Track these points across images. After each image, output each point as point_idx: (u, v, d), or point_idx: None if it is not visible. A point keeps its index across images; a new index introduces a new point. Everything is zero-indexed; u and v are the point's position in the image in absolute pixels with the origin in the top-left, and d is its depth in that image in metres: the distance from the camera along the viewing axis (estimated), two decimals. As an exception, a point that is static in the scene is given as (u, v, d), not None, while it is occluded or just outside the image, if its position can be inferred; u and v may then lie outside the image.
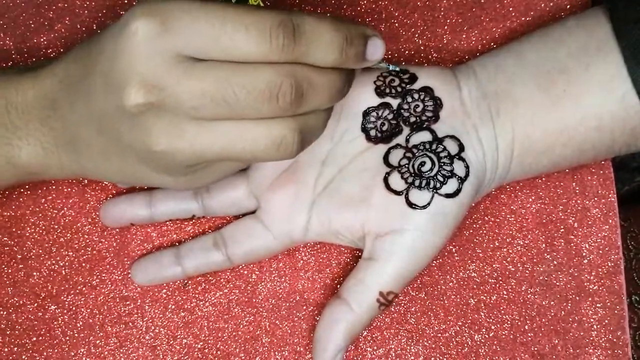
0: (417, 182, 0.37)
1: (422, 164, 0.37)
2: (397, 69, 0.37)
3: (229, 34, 0.28)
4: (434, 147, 0.37)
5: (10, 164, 0.36)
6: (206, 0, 0.29)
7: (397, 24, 0.44)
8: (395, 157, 0.38)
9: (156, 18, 0.29)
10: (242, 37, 0.28)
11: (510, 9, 0.44)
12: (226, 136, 0.30)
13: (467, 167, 0.37)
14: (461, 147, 0.37)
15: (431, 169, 0.37)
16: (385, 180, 0.37)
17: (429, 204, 0.36)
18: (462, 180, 0.37)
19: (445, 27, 0.44)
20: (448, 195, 0.36)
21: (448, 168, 0.37)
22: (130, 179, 0.36)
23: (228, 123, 0.30)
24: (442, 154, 0.37)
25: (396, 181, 0.37)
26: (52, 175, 0.37)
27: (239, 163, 0.35)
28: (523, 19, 0.44)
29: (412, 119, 0.38)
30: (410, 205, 0.36)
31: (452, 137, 0.37)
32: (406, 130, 0.38)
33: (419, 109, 0.38)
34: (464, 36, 0.44)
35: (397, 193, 0.37)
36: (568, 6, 0.44)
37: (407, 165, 0.37)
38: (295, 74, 0.29)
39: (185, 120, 0.30)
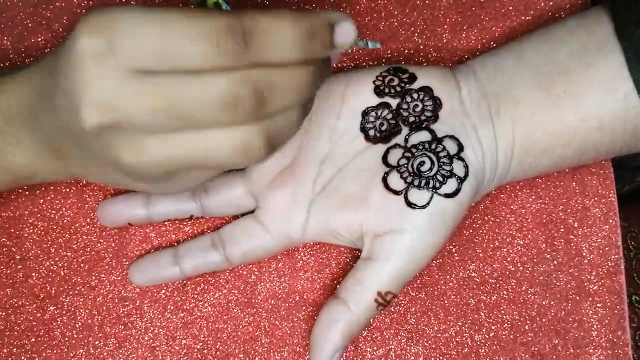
0: (416, 182, 0.37)
1: (422, 163, 0.37)
2: (377, 44, 0.35)
3: (174, 45, 0.27)
4: (433, 146, 0.37)
5: (4, 168, 0.36)
6: (153, 7, 0.28)
7: (396, 23, 0.44)
8: (394, 157, 0.38)
9: (100, 36, 0.27)
10: (188, 47, 0.27)
11: (510, 8, 0.44)
12: (187, 147, 0.29)
13: (466, 167, 0.37)
14: (460, 147, 0.37)
15: (430, 169, 0.37)
16: (384, 180, 0.37)
17: (428, 203, 0.36)
18: (461, 180, 0.37)
19: (445, 26, 0.44)
20: (447, 195, 0.36)
21: (447, 168, 0.37)
22: (112, 184, 0.35)
23: (188, 134, 0.29)
24: (441, 154, 0.37)
25: (395, 181, 0.37)
26: (44, 178, 0.37)
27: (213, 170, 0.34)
28: (523, 18, 0.44)
29: (411, 119, 0.38)
30: (410, 204, 0.36)
31: (452, 137, 0.37)
32: (405, 130, 0.38)
33: (418, 109, 0.38)
34: (463, 35, 0.44)
35: (396, 193, 0.37)
36: (568, 5, 0.44)
37: (406, 165, 0.37)
38: (251, 79, 0.28)
39: (144, 135, 0.29)
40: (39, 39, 0.44)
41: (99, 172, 0.34)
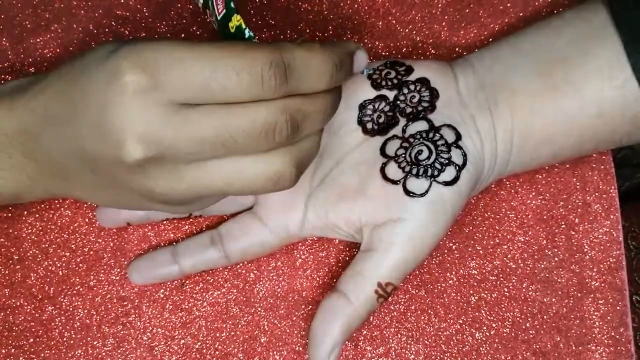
0: (414, 171, 0.36)
1: (419, 152, 0.37)
2: (371, 71, 0.39)
3: (220, 81, 0.29)
4: (430, 135, 0.37)
5: None
6: (194, 42, 0.29)
7: (394, 21, 0.44)
8: (392, 147, 0.38)
9: (146, 71, 0.29)
10: (234, 82, 0.29)
11: (508, 4, 0.44)
12: (224, 175, 0.31)
13: (464, 155, 0.37)
14: (458, 136, 0.37)
15: (428, 157, 0.37)
16: (382, 170, 0.37)
17: (427, 192, 0.36)
18: (459, 168, 0.36)
19: (443, 24, 0.44)
20: (446, 183, 0.36)
21: (445, 156, 0.36)
22: (124, 206, 0.36)
23: (226, 162, 0.31)
24: (439, 142, 0.37)
25: (393, 171, 0.37)
26: (39, 197, 0.37)
27: None
28: (521, 14, 0.44)
29: (409, 110, 0.38)
30: (408, 193, 0.36)
31: (449, 125, 0.37)
32: (403, 122, 0.38)
33: (415, 100, 0.38)
34: (461, 32, 0.44)
35: (395, 182, 0.37)
36: (566, 1, 0.44)
37: (404, 155, 0.37)
38: (288, 108, 0.30)
39: (184, 165, 0.31)
40: (38, 40, 0.44)
41: (114, 198, 0.34)
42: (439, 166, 0.36)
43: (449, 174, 0.36)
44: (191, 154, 0.30)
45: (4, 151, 0.35)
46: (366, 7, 0.44)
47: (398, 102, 0.38)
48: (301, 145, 0.32)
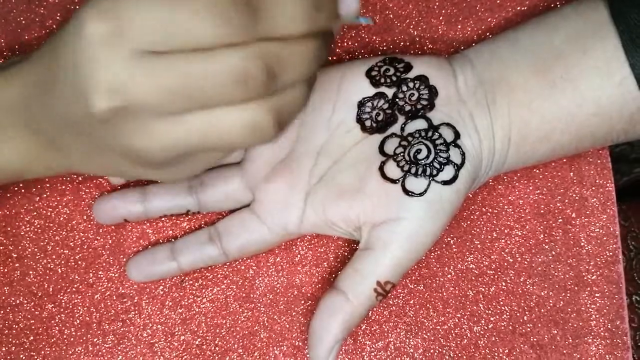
0: (413, 170, 0.36)
1: (418, 151, 0.37)
2: (370, 22, 0.36)
3: (180, 24, 0.27)
4: (429, 134, 0.37)
5: None
6: None
7: (391, 15, 0.44)
8: (391, 146, 0.38)
9: (107, 19, 0.27)
10: (196, 24, 0.27)
11: (505, -2, 0.44)
12: (198, 128, 0.29)
13: (463, 154, 0.37)
14: (457, 135, 0.37)
15: (427, 157, 0.37)
16: (381, 168, 0.37)
17: (425, 191, 0.36)
18: (458, 167, 0.36)
19: (440, 18, 0.44)
20: (445, 182, 0.36)
21: (444, 155, 0.36)
22: (117, 173, 0.35)
23: (199, 114, 0.29)
24: (437, 141, 0.37)
25: (392, 169, 0.37)
26: (40, 174, 0.37)
27: (222, 152, 0.34)
28: (519, 8, 0.44)
29: (408, 108, 0.38)
30: (407, 192, 0.36)
31: (448, 124, 0.37)
32: (401, 119, 0.38)
33: (414, 98, 0.38)
34: (459, 27, 0.44)
35: (393, 181, 0.37)
36: (563, -5, 0.44)
37: (402, 154, 0.37)
38: (261, 53, 0.27)
39: (154, 118, 0.29)
40: (33, 36, 0.44)
41: (103, 162, 0.34)
42: (437, 165, 0.36)
43: (447, 173, 0.36)
44: (160, 106, 0.28)
45: (7, 118, 0.35)
46: (363, 2, 0.44)
47: (397, 99, 0.38)
48: (283, 95, 0.29)
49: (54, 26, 0.44)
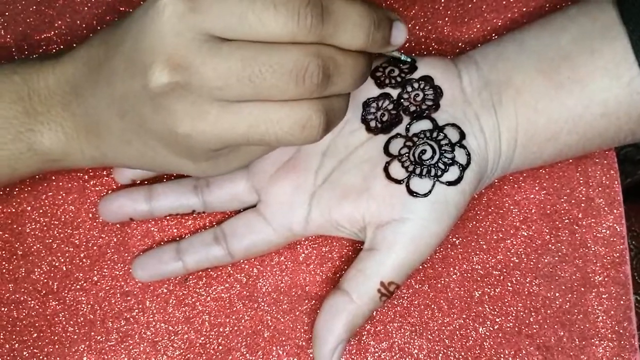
0: (417, 170, 0.36)
1: (423, 152, 0.37)
2: (409, 59, 0.37)
3: (257, 13, 0.28)
4: (434, 135, 0.37)
5: (32, 150, 0.36)
6: None
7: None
8: (396, 146, 0.38)
9: None
10: (270, 16, 0.28)
11: (511, -1, 0.44)
12: (250, 117, 0.30)
13: (468, 154, 0.37)
14: (462, 135, 0.37)
15: (432, 157, 0.37)
16: (386, 169, 0.37)
17: (430, 191, 0.36)
18: (463, 168, 0.36)
19: (446, 19, 0.44)
20: (450, 183, 0.36)
21: (449, 155, 0.36)
22: (150, 164, 0.35)
23: (252, 104, 0.30)
24: (442, 142, 0.37)
25: (396, 170, 0.37)
26: (73, 162, 0.37)
27: (261, 148, 0.35)
28: (524, 9, 0.44)
29: (412, 108, 0.38)
30: (411, 193, 0.36)
31: (453, 125, 0.37)
32: (406, 120, 0.38)
33: (419, 98, 0.38)
34: (464, 28, 0.44)
35: (398, 182, 0.37)
36: (569, -4, 0.44)
37: (407, 154, 0.37)
38: (322, 54, 0.29)
39: (209, 102, 0.30)
40: (42, 37, 0.44)
41: (140, 149, 0.34)
42: (442, 166, 0.36)
43: (452, 173, 0.36)
44: (218, 89, 0.29)
45: (46, 105, 0.35)
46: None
47: (402, 100, 0.38)
48: (331, 100, 0.31)
49: (63, 27, 0.44)
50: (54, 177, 0.42)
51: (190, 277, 0.41)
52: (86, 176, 0.42)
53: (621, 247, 0.41)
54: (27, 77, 0.36)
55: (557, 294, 0.41)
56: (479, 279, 0.41)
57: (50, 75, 0.36)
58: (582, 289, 0.41)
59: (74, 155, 0.36)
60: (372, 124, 0.38)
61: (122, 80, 0.32)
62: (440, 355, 0.40)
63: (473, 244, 0.41)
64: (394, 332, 0.40)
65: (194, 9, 0.29)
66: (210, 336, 0.41)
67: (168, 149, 0.33)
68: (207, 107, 0.30)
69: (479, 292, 0.41)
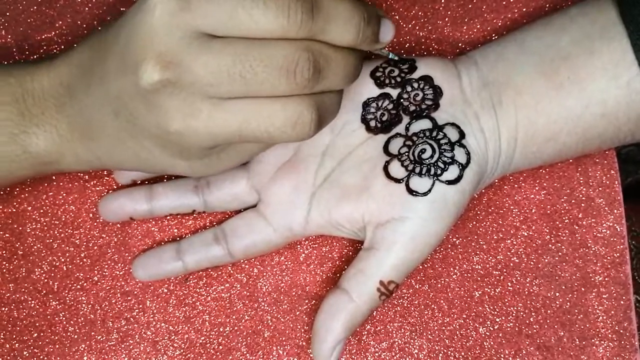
0: (417, 169, 0.36)
1: (423, 151, 0.37)
2: (397, 57, 0.37)
3: (247, 9, 0.28)
4: (434, 134, 0.37)
5: (27, 152, 0.36)
6: None
7: (397, 16, 0.44)
8: (395, 145, 0.38)
9: None
10: (260, 12, 0.28)
11: (511, 0, 0.44)
12: (241, 114, 0.30)
13: (468, 153, 0.37)
14: (462, 134, 0.37)
15: (432, 156, 0.37)
16: (385, 168, 0.37)
17: (429, 190, 0.36)
18: (463, 167, 0.36)
19: (446, 19, 0.44)
20: (449, 182, 0.36)
21: (449, 155, 0.36)
22: (144, 165, 0.35)
23: (244, 101, 0.30)
24: (442, 141, 0.37)
25: (396, 169, 0.37)
26: (67, 164, 0.37)
27: (254, 147, 0.35)
28: (525, 10, 0.44)
29: (412, 108, 0.38)
30: (411, 192, 0.36)
31: (453, 124, 0.37)
32: (406, 120, 0.38)
33: (418, 98, 0.38)
34: (465, 28, 0.44)
35: (398, 181, 0.37)
36: (570, -4, 0.44)
37: (407, 153, 0.37)
38: (312, 49, 0.30)
39: (201, 99, 0.30)
40: (43, 37, 0.44)
41: (134, 149, 0.34)
42: (442, 165, 0.36)
43: (452, 172, 0.36)
44: (209, 86, 0.29)
45: (40, 107, 0.35)
46: (369, 3, 0.44)
47: (402, 100, 0.38)
48: (322, 97, 0.31)
49: (64, 27, 0.44)
50: (54, 177, 0.42)
51: (191, 277, 0.41)
52: (87, 176, 0.43)
53: (621, 247, 0.41)
54: (21, 80, 0.36)
55: (557, 294, 0.40)
56: (479, 279, 0.41)
57: (44, 77, 0.36)
58: (582, 289, 0.41)
59: (69, 158, 0.37)
60: (372, 123, 0.38)
61: (114, 79, 0.32)
62: (440, 355, 0.40)
63: (473, 244, 0.41)
64: (394, 332, 0.40)
65: (184, 7, 0.29)
66: (211, 336, 0.41)
67: (161, 148, 0.33)
68: (198, 104, 0.30)
69: (479, 292, 0.41)
